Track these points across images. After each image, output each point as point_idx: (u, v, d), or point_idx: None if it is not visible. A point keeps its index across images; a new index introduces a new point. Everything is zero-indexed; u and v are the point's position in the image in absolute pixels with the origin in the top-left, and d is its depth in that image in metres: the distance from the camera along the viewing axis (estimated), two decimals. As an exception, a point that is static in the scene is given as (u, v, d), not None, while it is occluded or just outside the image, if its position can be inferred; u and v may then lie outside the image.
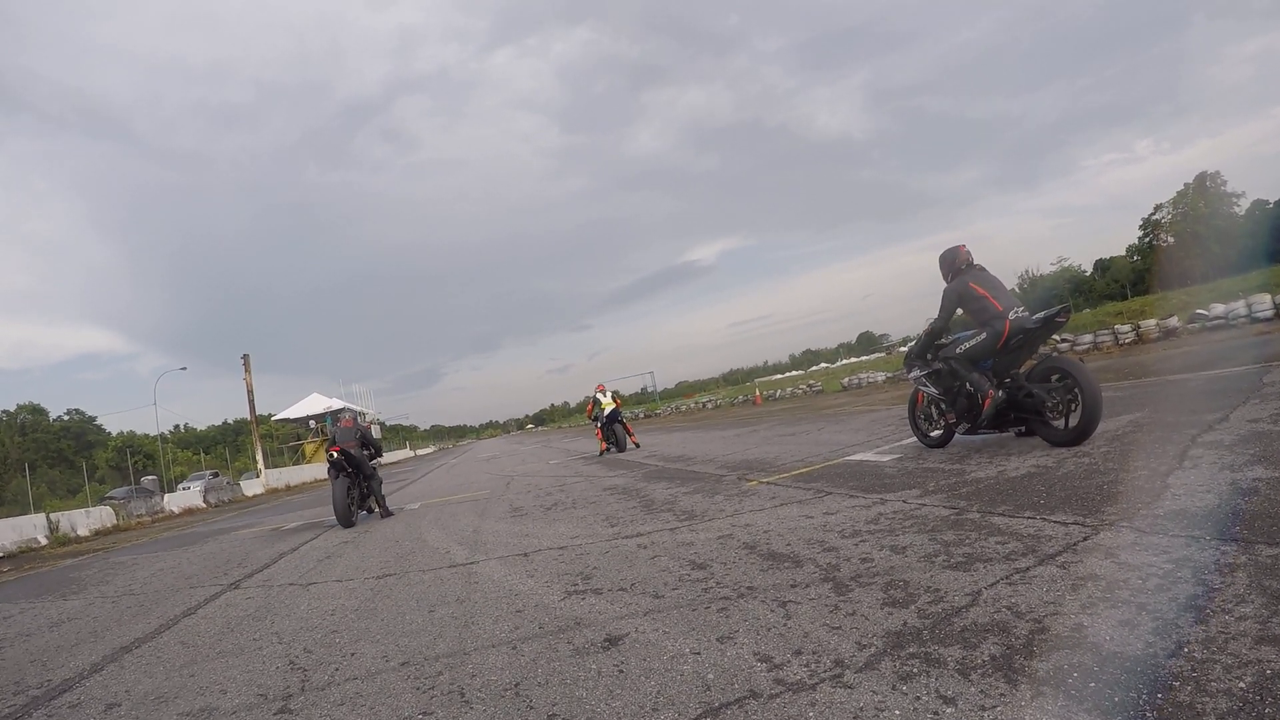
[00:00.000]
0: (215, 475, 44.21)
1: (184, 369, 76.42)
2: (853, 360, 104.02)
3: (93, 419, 74.86)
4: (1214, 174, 73.19)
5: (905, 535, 4.22)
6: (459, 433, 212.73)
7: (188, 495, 32.08)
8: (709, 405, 53.91)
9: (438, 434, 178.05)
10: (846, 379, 34.26)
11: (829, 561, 3.94)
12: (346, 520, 10.45)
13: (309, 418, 61.92)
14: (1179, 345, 17.59)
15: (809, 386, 38.80)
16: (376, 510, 11.23)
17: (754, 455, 10.27)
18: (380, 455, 12.19)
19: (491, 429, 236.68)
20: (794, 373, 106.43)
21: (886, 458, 7.58)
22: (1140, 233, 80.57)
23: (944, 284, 7.00)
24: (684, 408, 62.71)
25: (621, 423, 16.43)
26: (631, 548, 5.21)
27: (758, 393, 43.87)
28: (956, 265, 6.92)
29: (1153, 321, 21.08)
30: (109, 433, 72.77)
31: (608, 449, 16.28)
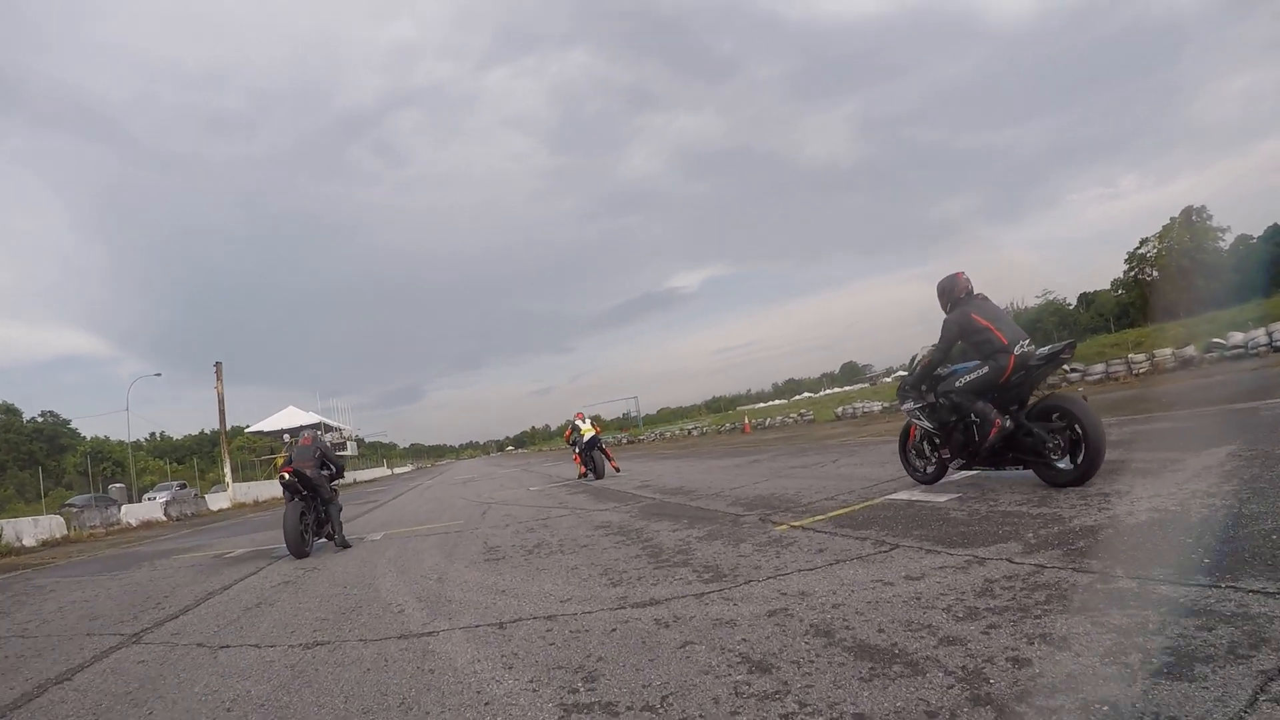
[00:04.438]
0: (183, 487, 42.31)
1: (158, 375, 73.37)
2: (836, 390, 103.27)
3: (66, 422, 71.94)
4: (1199, 208, 73.10)
5: (1052, 616, 2.95)
6: (438, 452, 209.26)
7: (148, 507, 30.08)
8: (694, 432, 52.22)
9: (416, 452, 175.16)
10: (840, 408, 32.95)
11: (963, 664, 2.60)
12: (299, 550, 9.12)
13: (283, 431, 60.20)
14: (1206, 374, 16.49)
15: (800, 415, 37.40)
16: (334, 538, 9.74)
17: (768, 490, 8.88)
18: (341, 475, 10.80)
19: (471, 449, 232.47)
20: (777, 401, 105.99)
21: (942, 497, 6.24)
22: (1126, 266, 79.76)
23: (940, 313, 6.62)
24: (669, 434, 60.66)
25: (601, 449, 16.02)
26: (647, 625, 3.77)
27: (746, 421, 42.41)
28: (956, 294, 6.51)
29: (1168, 351, 20.14)
30: (84, 437, 70.04)
31: (586, 474, 15.86)
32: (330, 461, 10.56)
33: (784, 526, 6.04)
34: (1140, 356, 20.47)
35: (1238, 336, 18.94)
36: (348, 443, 68.23)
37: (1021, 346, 5.97)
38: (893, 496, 6.76)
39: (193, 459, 64.18)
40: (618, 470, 16.37)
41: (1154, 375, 19.19)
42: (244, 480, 42.08)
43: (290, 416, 60.28)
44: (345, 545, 9.59)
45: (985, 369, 6.08)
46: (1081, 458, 5.58)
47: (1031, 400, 6.20)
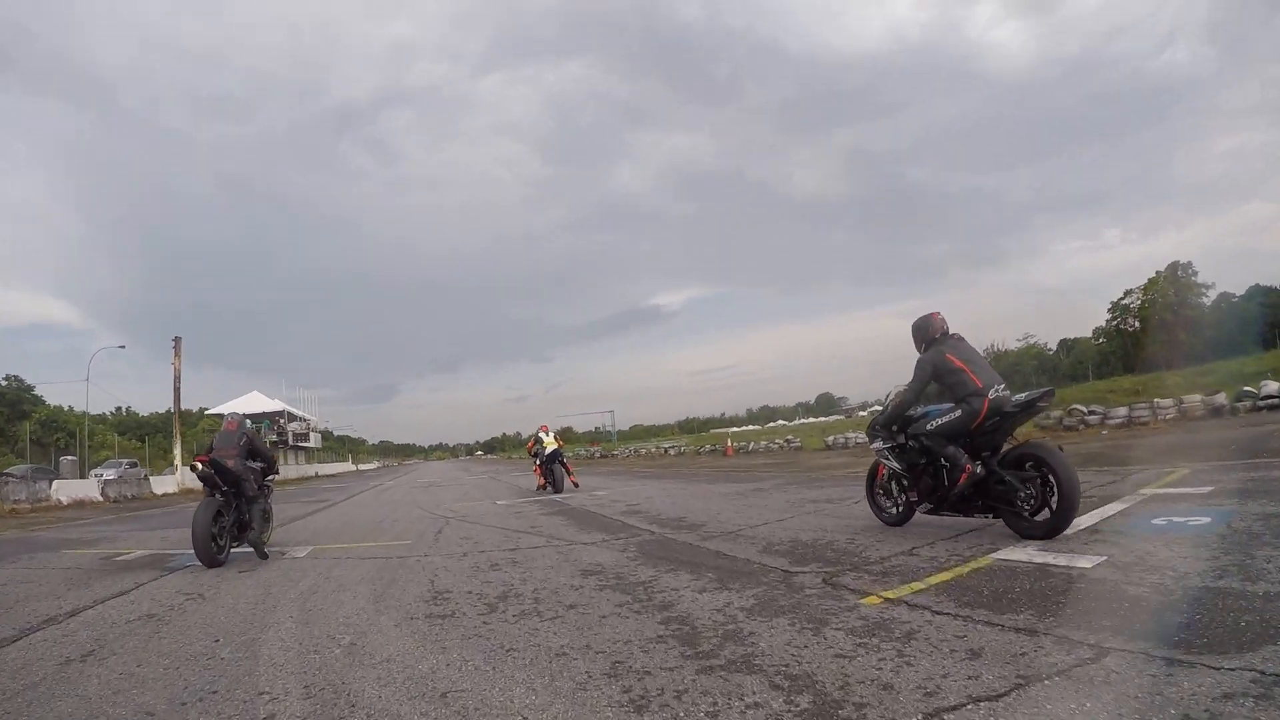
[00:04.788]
0: (133, 465, 39.46)
1: (122, 347, 69.31)
2: (812, 420, 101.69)
3: (30, 388, 67.95)
4: (1185, 264, 73.20)
5: None
6: (406, 451, 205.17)
7: (83, 485, 27.34)
8: (672, 451, 49.18)
9: (385, 450, 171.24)
10: (830, 437, 30.99)
11: None
12: (210, 558, 7.33)
13: (245, 416, 57.58)
14: (1255, 422, 14.83)
15: (786, 442, 35.21)
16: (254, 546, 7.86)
17: (804, 533, 6.87)
18: (274, 470, 8.92)
19: (440, 451, 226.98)
20: (751, 426, 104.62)
21: (1085, 561, 4.39)
22: (1109, 315, 79.68)
23: (914, 352, 6.38)
24: (644, 451, 57.05)
25: (562, 463, 16.04)
26: None
27: (729, 443, 39.85)
28: (931, 333, 6.25)
29: (1197, 398, 18.74)
30: (48, 404, 66.22)
31: (545, 486, 15.94)
32: (259, 453, 8.65)
33: (874, 599, 4.03)
34: (1167, 401, 18.95)
35: (1272, 386, 17.58)
36: (311, 434, 65.63)
37: (996, 391, 5.68)
38: (1002, 556, 4.83)
39: (156, 437, 60.54)
40: (576, 485, 16.29)
41: (1183, 422, 17.64)
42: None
43: (254, 401, 57.84)
44: (262, 556, 7.67)
45: (958, 412, 5.76)
46: (1055, 510, 5.25)
47: (1006, 447, 5.83)
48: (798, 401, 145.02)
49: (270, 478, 9.01)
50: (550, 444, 15.90)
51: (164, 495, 30.06)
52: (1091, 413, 19.54)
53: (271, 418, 57.61)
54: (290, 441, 59.22)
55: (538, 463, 16.25)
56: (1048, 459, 5.35)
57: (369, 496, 19.54)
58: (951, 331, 6.25)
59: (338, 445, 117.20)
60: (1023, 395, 5.82)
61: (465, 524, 10.27)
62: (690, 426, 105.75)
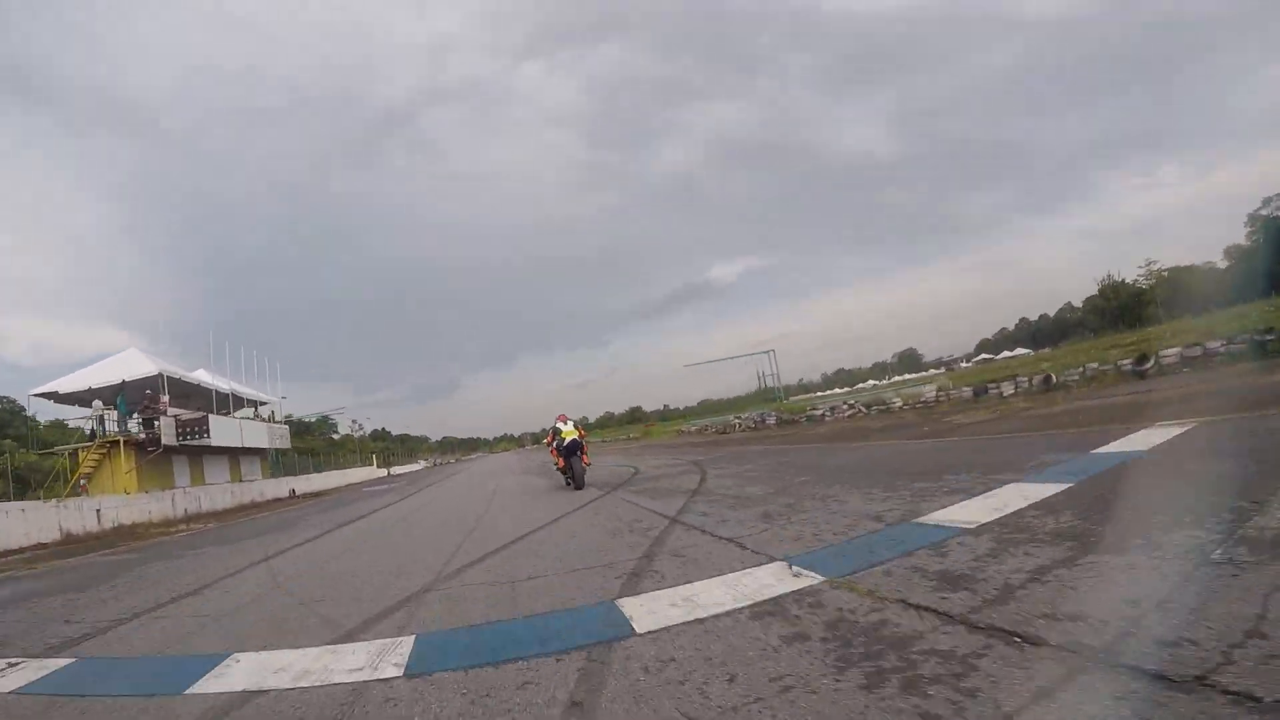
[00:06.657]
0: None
1: None
2: (901, 378, 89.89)
3: (21, 409, 59.93)
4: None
5: None
6: (471, 445, 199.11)
7: None
8: (938, 395, 27.55)
9: (445, 446, 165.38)
10: None
11: None
12: None
13: (89, 392, 28.22)
14: None
15: None
16: None
17: None
18: None
19: (505, 442, 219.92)
20: (837, 390, 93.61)
21: None
22: (1247, 229, 69.09)
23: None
24: (877, 409, 31.33)
25: (580, 453, 14.84)
26: None
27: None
28: None
29: None
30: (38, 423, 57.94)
31: (566, 468, 15.04)
32: None
33: None
34: None
35: None
36: (241, 423, 34.36)
37: None
38: None
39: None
40: (588, 464, 15.13)
41: None
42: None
43: (127, 364, 29.03)
44: None
45: None
46: None
47: None
48: (874, 362, 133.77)
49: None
50: (569, 434, 15.21)
51: None
52: None
53: (140, 391, 28.48)
54: (165, 437, 27.76)
55: (558, 453, 15.61)
56: None
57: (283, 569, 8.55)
58: None
59: (396, 447, 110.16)
60: None
61: None
62: (767, 395, 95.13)
